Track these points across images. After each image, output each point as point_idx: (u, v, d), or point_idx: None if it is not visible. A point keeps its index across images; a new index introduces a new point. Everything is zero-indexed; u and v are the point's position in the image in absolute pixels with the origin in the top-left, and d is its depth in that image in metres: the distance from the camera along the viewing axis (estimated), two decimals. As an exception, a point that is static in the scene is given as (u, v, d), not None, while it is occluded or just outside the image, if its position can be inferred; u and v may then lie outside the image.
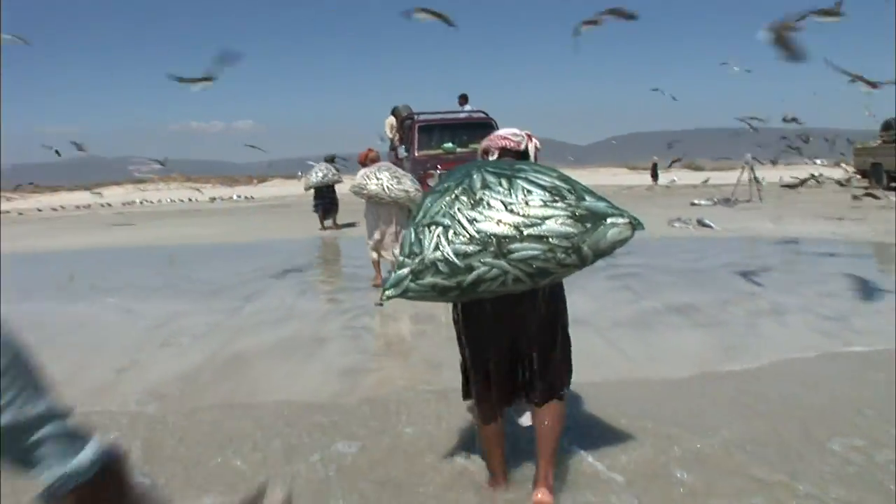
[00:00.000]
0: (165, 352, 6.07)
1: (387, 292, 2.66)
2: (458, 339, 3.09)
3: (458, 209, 2.59)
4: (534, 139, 3.21)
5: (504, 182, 2.63)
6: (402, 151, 13.17)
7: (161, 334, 6.66)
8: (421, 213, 2.70)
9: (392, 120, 15.52)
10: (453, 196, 2.64)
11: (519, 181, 2.63)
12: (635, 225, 2.66)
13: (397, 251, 3.46)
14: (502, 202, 2.57)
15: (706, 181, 27.32)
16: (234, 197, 42.10)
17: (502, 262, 2.52)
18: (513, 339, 2.93)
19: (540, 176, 2.68)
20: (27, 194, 71.40)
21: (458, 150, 13.15)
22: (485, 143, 3.26)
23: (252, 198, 42.26)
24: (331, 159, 15.44)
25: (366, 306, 7.33)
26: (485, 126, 13.80)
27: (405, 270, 2.61)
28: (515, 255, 2.52)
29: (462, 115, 14.54)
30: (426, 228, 2.61)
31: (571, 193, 2.63)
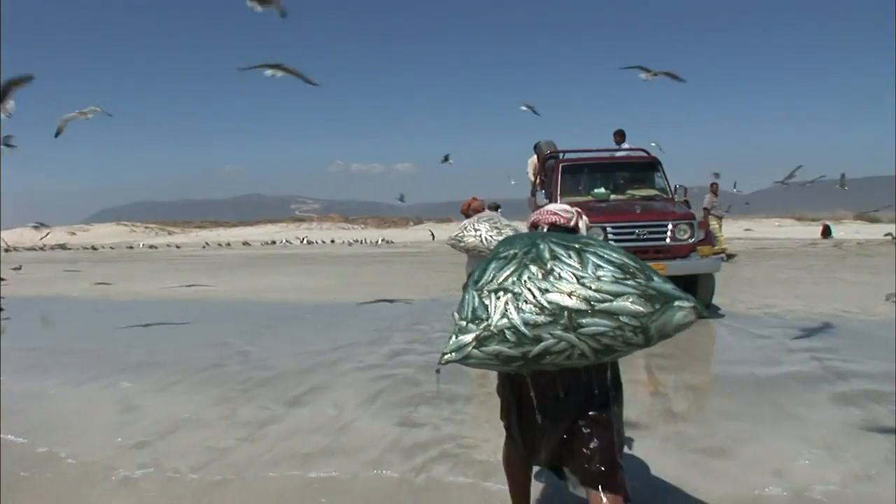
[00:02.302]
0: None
1: (446, 356, 2.51)
2: (502, 391, 3.03)
3: (529, 278, 2.50)
4: (584, 216, 3.15)
5: (574, 255, 2.56)
6: (541, 197, 10.41)
7: (127, 462, 4.20)
8: (486, 278, 2.58)
9: (535, 159, 12.85)
10: (522, 264, 2.56)
11: (589, 255, 2.56)
12: (700, 311, 2.53)
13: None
14: (574, 274, 2.49)
15: (889, 235, 23.11)
16: (379, 241, 41.28)
17: (571, 336, 2.42)
18: (567, 408, 2.77)
19: (608, 252, 2.60)
20: (189, 229, 75.26)
21: (612, 197, 10.27)
22: (533, 217, 3.19)
23: (392, 242, 40.99)
24: (495, 207, 11.86)
25: (457, 439, 4.64)
26: (647, 167, 10.93)
27: (469, 337, 2.48)
28: (585, 330, 2.42)
29: (618, 154, 11.66)
30: (493, 294, 2.50)
31: (641, 272, 2.54)
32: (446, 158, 16.15)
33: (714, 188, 18.24)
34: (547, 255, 2.57)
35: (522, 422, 2.91)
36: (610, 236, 8.84)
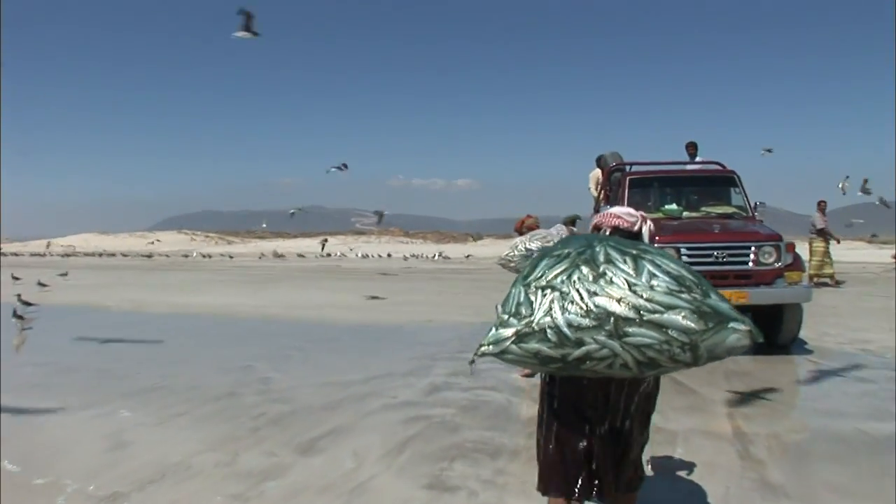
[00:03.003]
0: None
1: (483, 348, 2.49)
2: (545, 417, 2.89)
3: (579, 278, 2.43)
4: (648, 221, 3.08)
5: (629, 260, 2.47)
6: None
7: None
8: (535, 274, 2.51)
9: (597, 173, 11.81)
10: (574, 264, 2.48)
11: (645, 263, 2.46)
12: (755, 335, 2.41)
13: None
14: (626, 280, 2.40)
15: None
16: (436, 256, 40.55)
17: (615, 344, 2.34)
18: (607, 423, 2.75)
19: (666, 262, 2.49)
20: (249, 239, 75.79)
21: (685, 214, 9.19)
22: (596, 219, 3.15)
23: (448, 258, 40.18)
24: (571, 221, 10.32)
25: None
26: (724, 182, 9.82)
27: (509, 331, 2.43)
28: (630, 340, 2.33)
29: (691, 168, 10.55)
30: (539, 291, 2.44)
31: (698, 287, 2.42)
32: (344, 167, 15.45)
33: (822, 206, 16.86)
34: (601, 257, 2.47)
35: (563, 435, 2.81)
36: (684, 258, 7.76)
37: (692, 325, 2.34)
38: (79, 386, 6.69)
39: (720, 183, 9.82)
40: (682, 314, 2.34)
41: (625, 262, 2.46)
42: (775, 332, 8.14)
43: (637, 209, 8.66)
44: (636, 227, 3.04)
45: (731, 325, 2.39)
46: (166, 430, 5.23)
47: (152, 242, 58.16)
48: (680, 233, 8.10)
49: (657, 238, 7.86)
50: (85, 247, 53.42)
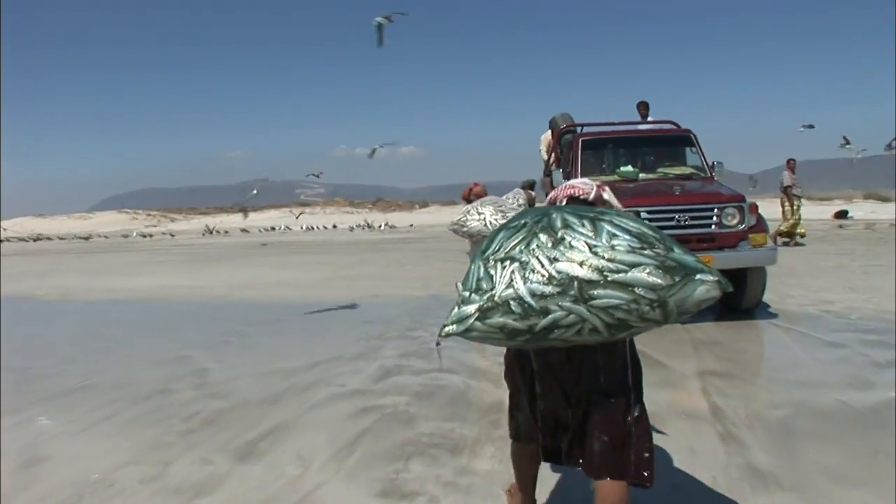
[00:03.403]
0: None
1: (447, 328, 2.36)
2: (510, 376, 2.86)
3: (537, 246, 2.33)
4: (606, 189, 2.98)
5: (587, 223, 2.37)
6: (558, 177, 8.93)
7: None
8: (493, 247, 2.43)
9: (549, 135, 11.37)
10: (532, 232, 2.39)
11: (604, 224, 2.36)
12: (724, 285, 2.33)
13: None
14: (586, 243, 2.31)
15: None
16: (382, 226, 39.99)
17: (581, 308, 2.25)
18: (579, 389, 2.59)
19: (625, 221, 2.41)
20: (193, 216, 74.14)
21: (642, 176, 8.81)
22: (552, 194, 3.02)
23: (394, 227, 39.57)
24: (529, 185, 9.94)
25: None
26: (680, 142, 9.47)
27: (472, 307, 2.33)
28: (597, 302, 2.24)
29: (645, 128, 10.16)
30: (498, 263, 2.36)
31: (660, 242, 2.35)
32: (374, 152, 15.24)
33: (791, 164, 16.64)
34: (559, 223, 2.39)
35: (533, 410, 2.72)
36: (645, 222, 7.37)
37: (658, 280, 2.26)
38: (-7, 389, 6.05)
39: (676, 143, 9.48)
40: (647, 271, 2.26)
41: (583, 225, 2.36)
42: (739, 296, 7.85)
43: (591, 172, 8.25)
44: (592, 196, 2.91)
45: (699, 276, 2.31)
46: (89, 439, 4.64)
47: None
48: (639, 195, 7.71)
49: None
50: (20, 231, 51.43)
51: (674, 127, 10.08)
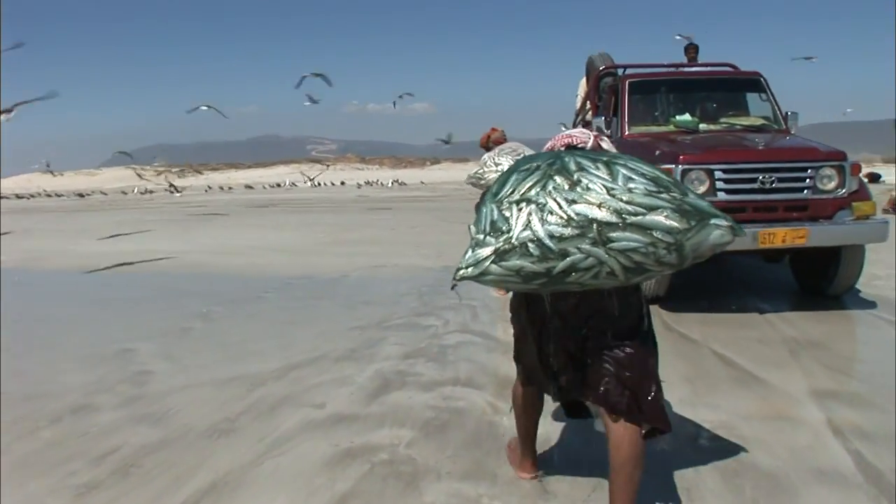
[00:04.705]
0: None
1: (461, 272, 2.31)
2: (516, 320, 2.81)
3: (554, 188, 2.29)
4: (604, 139, 2.84)
5: (602, 166, 2.33)
6: (598, 125, 7.29)
7: None
8: (506, 189, 2.36)
9: (584, 80, 9.75)
10: (547, 175, 2.33)
11: (619, 167, 2.32)
12: (737, 230, 2.33)
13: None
14: (603, 186, 2.27)
15: None
16: (391, 183, 38.51)
17: (600, 251, 2.22)
18: (592, 333, 2.53)
19: (639, 164, 2.37)
20: (202, 172, 72.92)
21: (702, 126, 7.17)
22: (547, 145, 2.88)
23: (405, 184, 38.00)
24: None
25: None
26: (747, 86, 7.84)
27: (487, 250, 2.28)
28: (615, 245, 2.22)
29: (706, 70, 8.50)
30: (514, 205, 2.30)
31: (675, 187, 2.33)
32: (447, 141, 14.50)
33: None
34: (573, 166, 2.34)
35: (541, 352, 2.65)
36: (719, 184, 5.77)
37: (675, 224, 2.23)
38: None
39: (742, 88, 7.84)
40: (665, 214, 2.23)
41: (597, 168, 2.33)
42: (826, 279, 6.29)
43: (640, 121, 6.57)
44: (589, 145, 2.75)
45: (713, 221, 2.28)
46: None
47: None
48: (710, 150, 6.05)
49: (681, 157, 5.85)
50: (28, 188, 50.19)
51: (732, 70, 8.44)
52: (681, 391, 4.10)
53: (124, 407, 4.21)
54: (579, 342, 2.56)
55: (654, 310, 6.14)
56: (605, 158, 2.39)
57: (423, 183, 36.98)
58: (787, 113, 7.51)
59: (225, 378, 4.65)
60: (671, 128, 7.16)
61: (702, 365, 4.67)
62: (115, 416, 4.07)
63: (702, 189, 5.74)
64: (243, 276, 8.88)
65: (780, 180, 5.76)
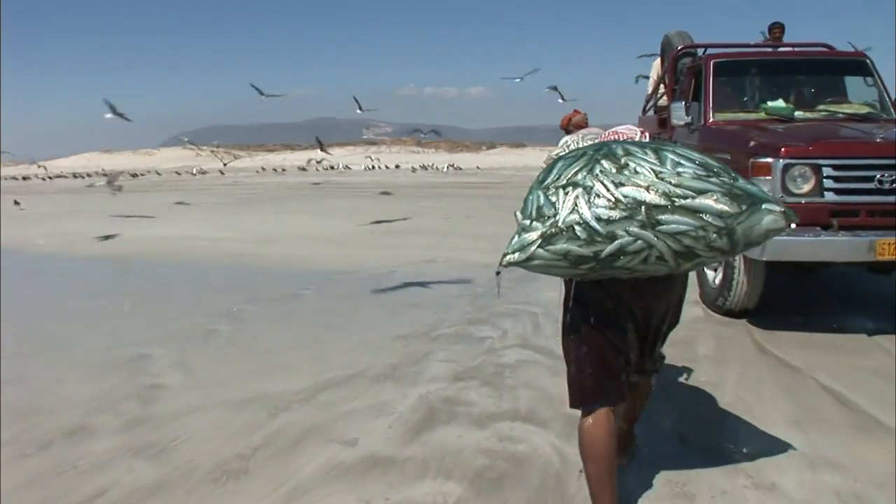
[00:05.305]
0: None
1: (507, 257, 2.25)
2: (576, 330, 2.54)
3: (601, 171, 2.24)
4: (647, 134, 2.91)
5: (650, 152, 2.30)
6: (678, 112, 6.43)
7: None
8: (552, 176, 2.33)
9: (658, 62, 8.89)
10: (593, 159, 2.30)
11: (667, 153, 2.29)
12: (791, 216, 2.26)
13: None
14: (652, 169, 2.23)
15: None
16: (446, 168, 37.85)
17: (649, 234, 2.17)
18: (647, 319, 2.58)
19: (688, 151, 2.35)
20: (258, 153, 73.40)
21: (798, 114, 6.29)
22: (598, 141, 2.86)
23: (460, 168, 37.27)
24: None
25: None
26: (851, 69, 6.93)
27: (534, 234, 2.23)
28: (664, 228, 2.17)
29: (801, 50, 7.59)
30: (560, 190, 2.26)
31: (725, 172, 2.29)
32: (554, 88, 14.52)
33: None
34: (620, 151, 2.30)
35: (620, 353, 2.54)
36: (827, 182, 4.92)
37: (726, 207, 2.18)
38: None
39: (844, 70, 6.92)
40: (715, 197, 2.19)
41: (645, 153, 2.29)
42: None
43: (727, 106, 5.70)
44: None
45: (765, 206, 2.23)
46: None
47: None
48: (816, 141, 5.18)
49: (782, 150, 5.01)
50: (87, 166, 50.78)
51: (828, 50, 7.53)
52: (792, 437, 3.33)
53: (124, 431, 3.60)
54: (641, 335, 2.59)
55: (744, 326, 5.35)
56: (653, 145, 2.37)
57: (479, 168, 36.17)
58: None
59: (244, 398, 4.00)
60: (762, 115, 6.29)
61: (810, 403, 3.86)
62: (112, 443, 3.46)
63: (805, 188, 4.91)
64: (282, 269, 8.24)
65: (906, 180, 4.88)
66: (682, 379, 4.20)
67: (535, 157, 43.53)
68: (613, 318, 2.50)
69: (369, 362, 4.57)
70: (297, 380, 4.26)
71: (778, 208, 2.24)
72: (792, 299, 6.09)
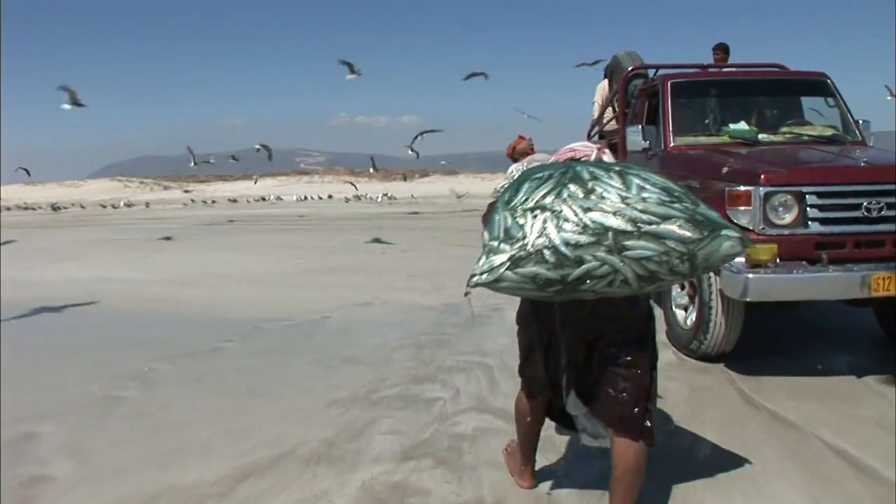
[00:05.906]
0: None
1: (475, 278, 2.25)
2: (524, 332, 2.84)
3: (569, 196, 2.27)
4: (606, 152, 2.78)
5: (615, 175, 2.32)
6: (634, 137, 5.89)
7: None
8: (519, 197, 2.34)
9: (605, 85, 8.42)
10: (560, 183, 2.32)
11: (632, 177, 2.31)
12: (746, 243, 2.34)
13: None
14: (618, 194, 2.26)
15: None
16: (380, 198, 37.19)
17: (615, 259, 2.21)
18: (602, 340, 2.55)
19: (650, 174, 2.36)
20: (189, 184, 71.59)
21: (763, 137, 5.85)
22: (551, 159, 2.90)
23: (394, 198, 36.66)
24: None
25: None
26: (810, 90, 6.55)
27: (503, 257, 2.24)
28: (630, 253, 2.21)
29: (760, 71, 7.19)
30: (528, 213, 2.28)
31: (686, 197, 2.32)
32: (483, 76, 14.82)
33: None
34: (586, 175, 2.33)
35: (548, 364, 2.66)
36: (811, 212, 4.43)
37: (688, 234, 2.23)
38: None
39: (804, 91, 6.54)
40: (678, 223, 2.23)
41: (610, 177, 2.31)
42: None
43: (687, 130, 5.26)
44: (592, 158, 2.68)
45: (724, 232, 2.28)
46: None
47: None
48: (801, 167, 4.70)
49: (762, 176, 4.50)
50: (9, 200, 48.42)
51: (781, 69, 7.19)
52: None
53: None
54: (588, 353, 2.56)
55: (724, 372, 4.81)
56: (616, 168, 2.37)
57: (413, 197, 35.59)
58: (860, 121, 6.24)
59: (146, 495, 3.24)
60: (725, 138, 5.84)
61: (821, 469, 3.30)
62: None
63: (788, 218, 4.42)
64: (202, 317, 7.35)
65: (891, 206, 4.42)
66: (666, 440, 3.57)
67: (470, 185, 43.25)
68: (539, 318, 2.64)
69: (300, 437, 3.85)
70: (214, 465, 3.52)
71: (736, 234, 2.29)
72: (768, 337, 5.60)
